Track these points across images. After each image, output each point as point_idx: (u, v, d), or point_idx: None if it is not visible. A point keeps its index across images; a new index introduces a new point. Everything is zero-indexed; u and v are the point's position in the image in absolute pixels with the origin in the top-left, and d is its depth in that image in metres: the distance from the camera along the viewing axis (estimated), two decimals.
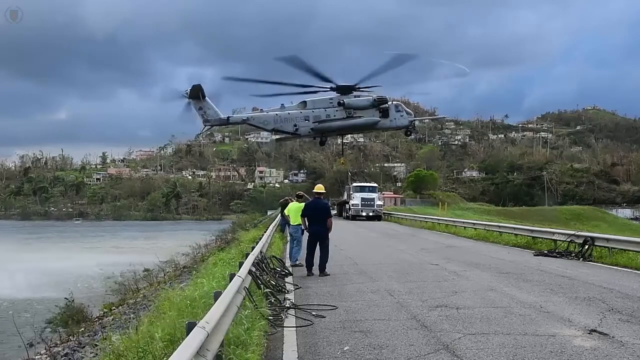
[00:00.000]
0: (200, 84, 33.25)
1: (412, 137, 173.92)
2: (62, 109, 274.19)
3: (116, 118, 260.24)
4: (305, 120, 35.33)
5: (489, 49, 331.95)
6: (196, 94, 32.88)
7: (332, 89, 35.46)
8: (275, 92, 34.86)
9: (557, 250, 15.61)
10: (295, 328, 6.92)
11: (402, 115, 37.72)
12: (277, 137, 39.44)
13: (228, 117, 34.77)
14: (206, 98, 33.34)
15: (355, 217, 40.99)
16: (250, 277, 8.18)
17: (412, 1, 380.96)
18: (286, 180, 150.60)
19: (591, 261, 13.96)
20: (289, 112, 35.39)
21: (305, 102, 35.69)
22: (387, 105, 36.91)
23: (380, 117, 36.82)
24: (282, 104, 35.75)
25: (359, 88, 35.93)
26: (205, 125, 34.17)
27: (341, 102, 35.57)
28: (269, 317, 7.25)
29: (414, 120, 39.55)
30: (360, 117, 36.19)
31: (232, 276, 7.12)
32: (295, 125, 35.25)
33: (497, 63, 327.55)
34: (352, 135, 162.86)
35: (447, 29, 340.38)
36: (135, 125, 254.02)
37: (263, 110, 36.09)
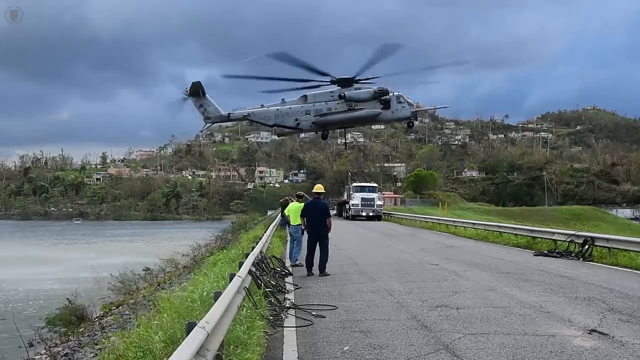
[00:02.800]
0: (199, 82, 33.15)
1: (413, 136, 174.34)
2: (63, 109, 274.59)
3: (116, 118, 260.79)
4: (307, 114, 35.18)
5: (490, 50, 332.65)
6: (196, 91, 32.78)
7: (332, 82, 35.26)
8: (278, 88, 34.83)
9: (557, 250, 15.60)
10: (295, 328, 6.92)
11: (403, 107, 37.38)
12: (279, 132, 39.11)
13: (229, 113, 34.63)
14: (206, 95, 33.26)
15: (355, 217, 40.94)
16: (250, 277, 8.17)
17: (414, 2, 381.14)
18: (286, 180, 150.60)
19: (591, 261, 13.95)
20: (290, 106, 35.23)
21: (305, 96, 35.53)
22: (388, 96, 36.59)
23: (381, 109, 36.55)
24: (283, 99, 35.63)
25: (359, 80, 35.70)
26: (206, 123, 34.07)
27: (342, 95, 35.38)
28: (269, 317, 7.25)
29: (416, 111, 39.09)
30: (361, 109, 35.94)
31: (232, 276, 7.11)
32: (296, 120, 35.09)
33: (498, 64, 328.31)
34: (352, 135, 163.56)
35: (449, 30, 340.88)
36: (135, 125, 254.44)
37: (264, 106, 35.74)
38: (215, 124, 34.74)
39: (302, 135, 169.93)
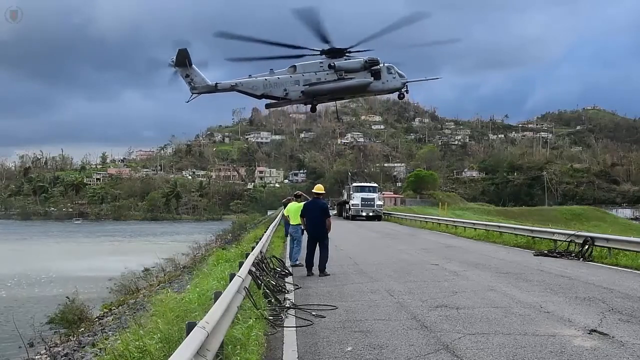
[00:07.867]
0: (186, 49, 32.59)
1: (413, 136, 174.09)
2: (63, 109, 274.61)
3: (117, 118, 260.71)
4: (296, 84, 34.92)
5: (491, 51, 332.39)
6: (182, 60, 32.30)
7: (322, 52, 35.04)
8: (266, 56, 34.46)
9: (557, 250, 15.58)
10: (295, 328, 6.92)
11: (394, 78, 36.97)
12: (268, 104, 38.70)
13: (216, 83, 34.08)
14: (193, 65, 32.91)
15: (355, 217, 40.95)
16: (250, 277, 8.17)
17: (416, 4, 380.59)
18: (286, 180, 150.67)
19: (591, 261, 13.94)
20: (279, 76, 34.96)
21: (295, 66, 35.29)
22: (378, 67, 36.28)
23: (372, 80, 36.32)
24: (272, 69, 35.30)
25: (351, 51, 35.48)
26: (192, 93, 33.68)
27: (332, 64, 35.19)
28: (269, 317, 7.25)
29: (407, 82, 38.62)
30: (351, 79, 35.66)
31: (232, 276, 7.11)
32: (285, 90, 34.82)
33: (499, 64, 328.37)
34: (352, 135, 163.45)
35: (451, 31, 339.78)
36: (135, 125, 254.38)
37: (252, 76, 35.35)
38: (201, 94, 34.01)
39: (302, 135, 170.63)
